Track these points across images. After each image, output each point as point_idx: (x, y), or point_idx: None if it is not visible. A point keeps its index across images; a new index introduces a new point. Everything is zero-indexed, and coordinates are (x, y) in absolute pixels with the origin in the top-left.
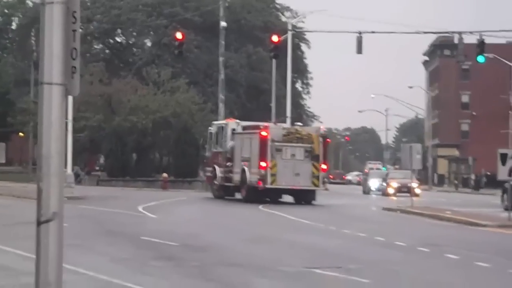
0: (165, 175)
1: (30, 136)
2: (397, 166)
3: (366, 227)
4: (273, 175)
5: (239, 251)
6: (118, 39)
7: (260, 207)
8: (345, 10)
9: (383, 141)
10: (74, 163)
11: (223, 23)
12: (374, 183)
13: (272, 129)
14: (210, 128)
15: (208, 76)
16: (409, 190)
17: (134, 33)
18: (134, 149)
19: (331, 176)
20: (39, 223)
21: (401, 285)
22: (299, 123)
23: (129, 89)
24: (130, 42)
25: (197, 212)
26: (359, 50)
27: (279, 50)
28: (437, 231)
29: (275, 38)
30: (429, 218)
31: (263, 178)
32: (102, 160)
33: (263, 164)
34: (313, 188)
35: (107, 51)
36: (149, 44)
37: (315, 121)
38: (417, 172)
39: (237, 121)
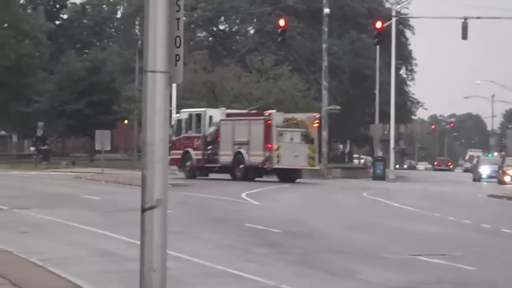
0: None
1: (135, 124)
2: (503, 153)
3: (472, 214)
4: (278, 156)
5: (342, 238)
6: (222, 27)
7: (365, 194)
8: None
9: (489, 128)
10: None
11: (326, 10)
12: (485, 170)
13: (274, 116)
14: (177, 115)
15: (311, 63)
16: None
17: (238, 21)
18: None
19: (436, 163)
20: (143, 209)
21: (507, 273)
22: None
23: (232, 77)
24: (234, 30)
25: (300, 199)
26: (464, 36)
27: (383, 37)
28: None
29: (378, 25)
30: None
31: (269, 159)
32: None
33: (269, 147)
34: (309, 168)
35: (210, 39)
36: (252, 31)
37: (420, 108)
38: None
39: (222, 108)
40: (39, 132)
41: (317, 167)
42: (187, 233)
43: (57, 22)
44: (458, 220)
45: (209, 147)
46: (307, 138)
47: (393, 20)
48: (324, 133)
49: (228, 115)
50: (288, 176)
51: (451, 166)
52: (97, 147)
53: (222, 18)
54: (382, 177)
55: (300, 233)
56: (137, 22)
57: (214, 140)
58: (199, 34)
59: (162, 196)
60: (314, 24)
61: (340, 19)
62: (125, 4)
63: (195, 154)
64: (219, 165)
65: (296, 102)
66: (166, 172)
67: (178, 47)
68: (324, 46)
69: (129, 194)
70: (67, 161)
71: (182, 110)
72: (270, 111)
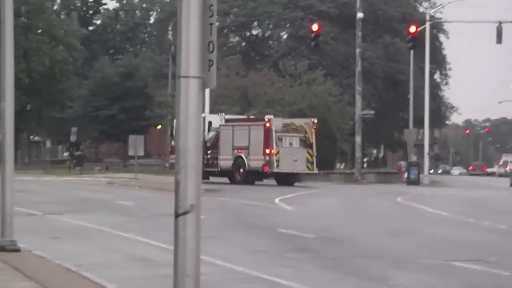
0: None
1: (168, 129)
2: None
3: (506, 219)
4: (277, 160)
5: (376, 243)
6: (255, 32)
7: (399, 199)
8: None
9: None
10: None
11: (359, 14)
12: None
13: (273, 121)
14: (176, 120)
15: (344, 67)
16: None
17: (271, 26)
18: None
19: (471, 168)
20: (177, 215)
21: None
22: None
23: (266, 82)
24: (266, 35)
25: (333, 204)
26: (499, 40)
27: (417, 41)
28: None
29: (412, 29)
30: None
31: (268, 164)
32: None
33: (268, 151)
34: (308, 172)
35: (243, 44)
36: (285, 36)
37: (454, 113)
38: None
39: (222, 114)
40: (73, 138)
41: (315, 172)
42: (220, 238)
43: (90, 28)
44: (493, 225)
45: (209, 152)
46: (305, 143)
47: (427, 24)
48: (358, 138)
49: (227, 120)
50: (287, 180)
51: (486, 171)
52: (130, 153)
53: (255, 23)
54: (416, 182)
55: (334, 238)
56: (170, 28)
57: (213, 145)
58: (232, 39)
59: (195, 202)
60: (347, 28)
61: (373, 24)
62: (158, 10)
63: None
64: (218, 169)
65: (330, 107)
66: (200, 177)
67: (211, 52)
68: (357, 50)
69: (162, 200)
70: (100, 166)
71: None
72: (269, 116)
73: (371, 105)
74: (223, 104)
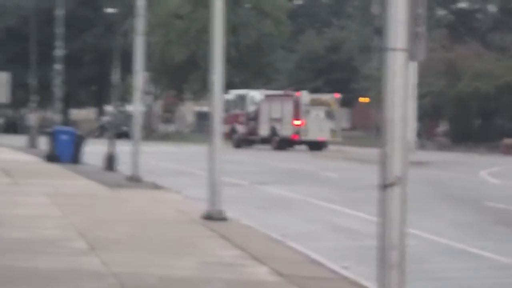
0: (508, 140)
1: (374, 102)
2: None
3: None
4: (305, 130)
5: None
6: (462, 5)
7: None
8: None
9: None
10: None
11: None
12: None
13: (302, 96)
14: (225, 95)
15: None
16: None
17: None
18: (477, 115)
19: None
20: (383, 187)
21: None
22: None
23: (472, 55)
24: (475, 8)
25: None
26: None
27: None
28: None
29: None
30: None
31: (298, 132)
32: (444, 125)
33: (297, 122)
34: (332, 140)
35: (450, 16)
36: (493, 9)
37: None
38: None
39: (264, 90)
40: None
41: (339, 139)
42: (424, 210)
43: (297, 2)
44: None
45: (252, 123)
46: (330, 115)
47: None
48: None
49: (266, 96)
50: (315, 147)
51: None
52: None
53: None
54: None
55: None
56: (375, 1)
57: (255, 117)
58: (439, 12)
59: (401, 174)
60: None
61: None
62: None
63: (240, 128)
64: (259, 137)
65: None
66: (406, 149)
67: (419, 25)
68: None
69: (367, 171)
70: None
71: (230, 91)
72: (298, 92)
73: None
74: (429, 77)
